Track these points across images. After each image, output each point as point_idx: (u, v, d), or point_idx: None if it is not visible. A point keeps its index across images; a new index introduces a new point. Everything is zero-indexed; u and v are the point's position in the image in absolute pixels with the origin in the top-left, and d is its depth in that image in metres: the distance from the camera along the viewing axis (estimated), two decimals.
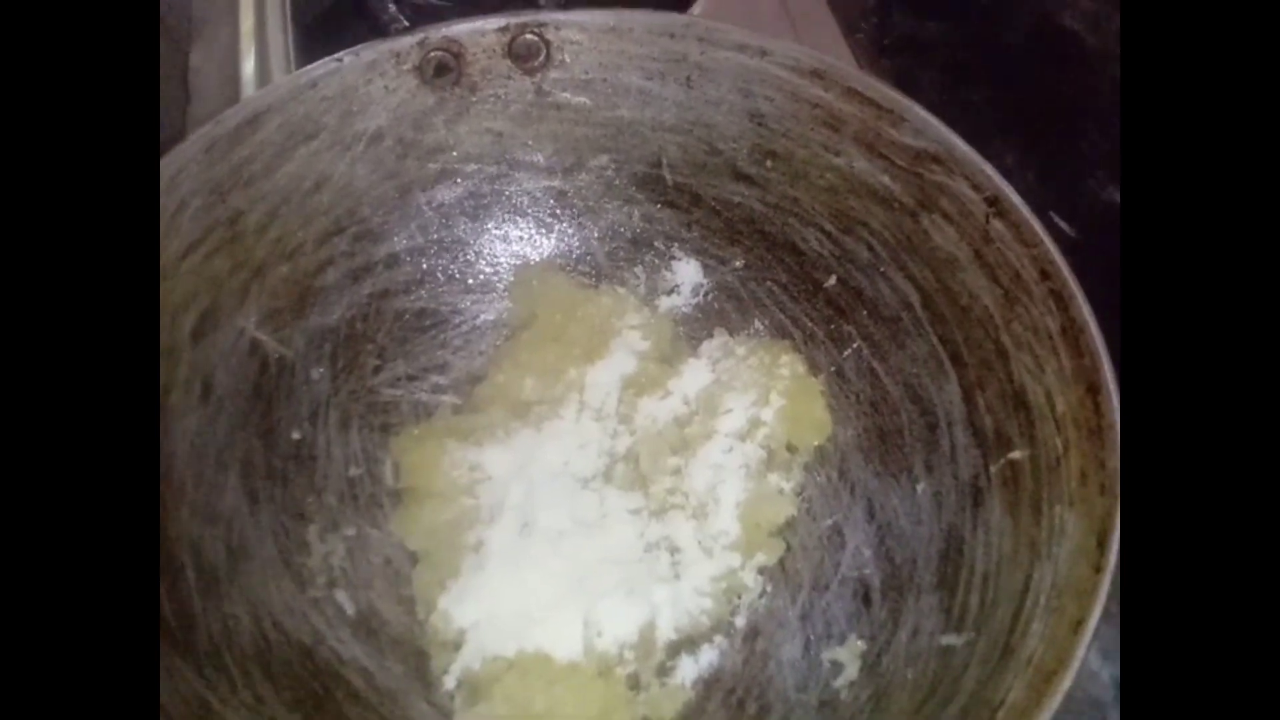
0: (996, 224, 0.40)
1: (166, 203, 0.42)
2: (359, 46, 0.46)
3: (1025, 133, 0.69)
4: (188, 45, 0.77)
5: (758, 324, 0.50)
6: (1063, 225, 0.64)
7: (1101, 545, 0.33)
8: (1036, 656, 0.32)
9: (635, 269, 0.52)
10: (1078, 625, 0.31)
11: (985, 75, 0.74)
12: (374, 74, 0.46)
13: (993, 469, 0.40)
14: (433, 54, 0.47)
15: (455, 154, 0.49)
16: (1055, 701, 0.30)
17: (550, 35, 0.47)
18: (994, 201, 0.40)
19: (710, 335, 0.50)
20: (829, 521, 0.45)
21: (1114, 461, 0.34)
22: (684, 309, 0.51)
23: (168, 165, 0.42)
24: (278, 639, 0.40)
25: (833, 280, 0.48)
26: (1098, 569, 0.32)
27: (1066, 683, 0.30)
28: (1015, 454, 0.39)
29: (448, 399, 0.50)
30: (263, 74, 0.68)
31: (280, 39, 0.70)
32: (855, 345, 0.47)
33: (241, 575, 0.41)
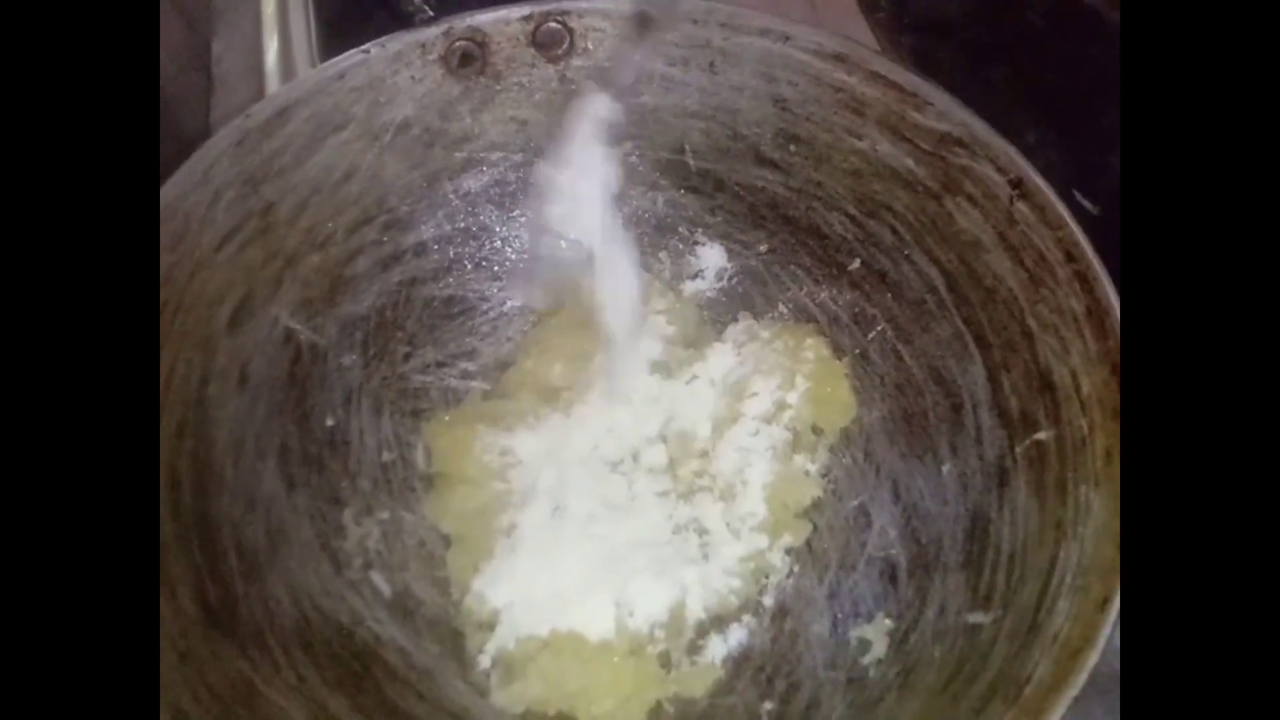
0: (1020, 206, 0.41)
1: (201, 195, 0.43)
2: (385, 38, 0.46)
3: (1047, 110, 0.69)
4: (210, 34, 0.77)
5: (782, 308, 0.50)
6: (1085, 203, 0.64)
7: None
8: (1063, 634, 0.33)
9: (660, 254, 0.52)
10: (1103, 603, 0.32)
11: (1006, 53, 0.74)
12: (400, 65, 0.47)
13: (1018, 450, 0.40)
14: (458, 44, 0.47)
15: (481, 142, 0.50)
16: (1081, 678, 0.30)
17: (574, 23, 0.48)
18: (1018, 184, 0.41)
19: (735, 319, 0.50)
20: (855, 502, 0.45)
21: None
22: (709, 293, 0.52)
23: (200, 159, 0.43)
24: (317, 620, 0.41)
25: (857, 263, 0.48)
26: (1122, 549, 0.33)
27: (1093, 659, 0.31)
28: (1040, 435, 0.39)
29: (477, 385, 0.51)
30: (286, 63, 0.69)
31: (303, 28, 0.71)
32: (880, 328, 0.47)
33: (281, 558, 0.42)
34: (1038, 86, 0.72)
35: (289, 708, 0.37)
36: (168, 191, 0.42)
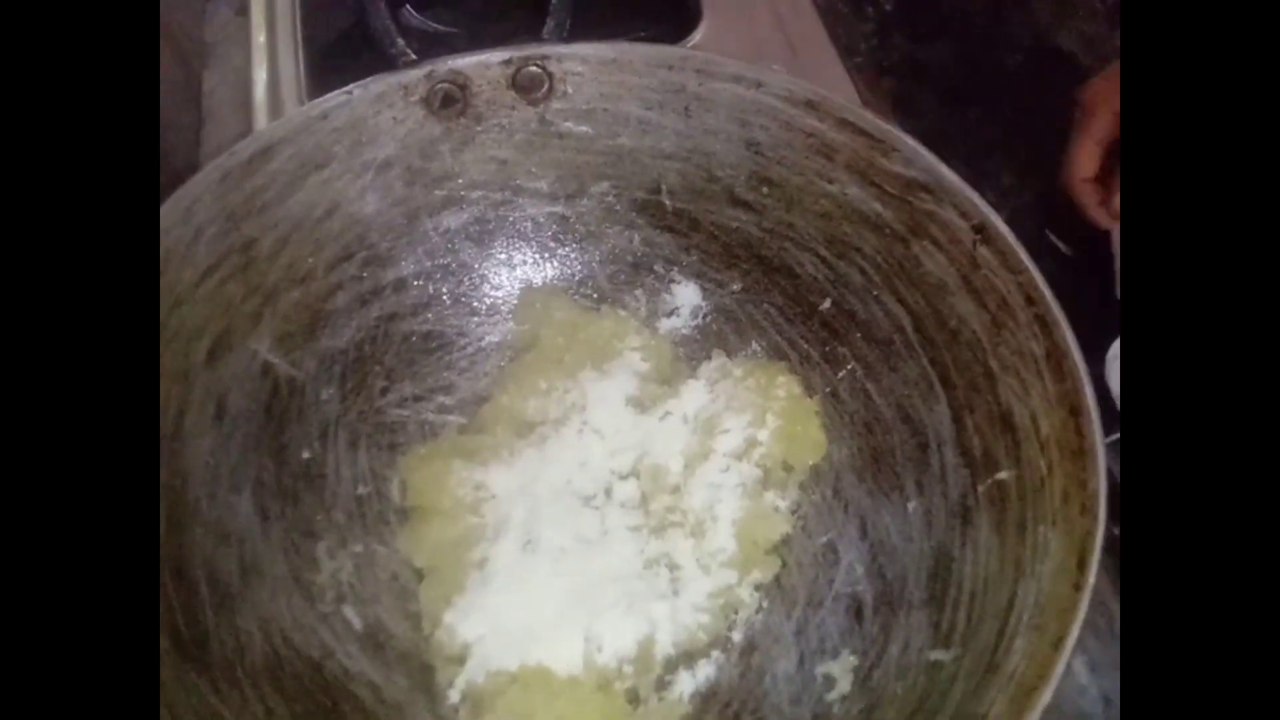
0: (983, 250, 0.42)
1: (182, 232, 0.44)
2: (368, 80, 0.47)
3: (1023, 152, 0.71)
4: (201, 67, 0.78)
5: (755, 346, 0.51)
6: (1059, 243, 0.65)
7: (1082, 565, 0.34)
8: (1019, 672, 0.33)
9: (636, 292, 0.53)
10: (1058, 642, 0.32)
11: (983, 95, 0.75)
12: (383, 105, 0.48)
13: (980, 488, 0.41)
14: (439, 85, 0.48)
15: (461, 181, 0.51)
16: (1035, 715, 0.31)
17: (553, 67, 0.49)
18: (980, 229, 0.42)
19: (709, 357, 0.51)
20: (824, 539, 0.46)
21: (1095, 483, 0.35)
22: (683, 331, 0.53)
23: (183, 196, 0.44)
24: (288, 654, 0.42)
25: (827, 303, 0.49)
26: (1078, 587, 0.34)
27: (1046, 697, 0.31)
28: (1002, 474, 0.40)
29: (453, 419, 0.51)
30: (274, 98, 0.70)
31: (291, 65, 0.72)
32: (849, 367, 0.48)
33: (253, 591, 0.42)
34: (1015, 129, 0.73)
35: None
36: None
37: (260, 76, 0.73)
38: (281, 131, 0.46)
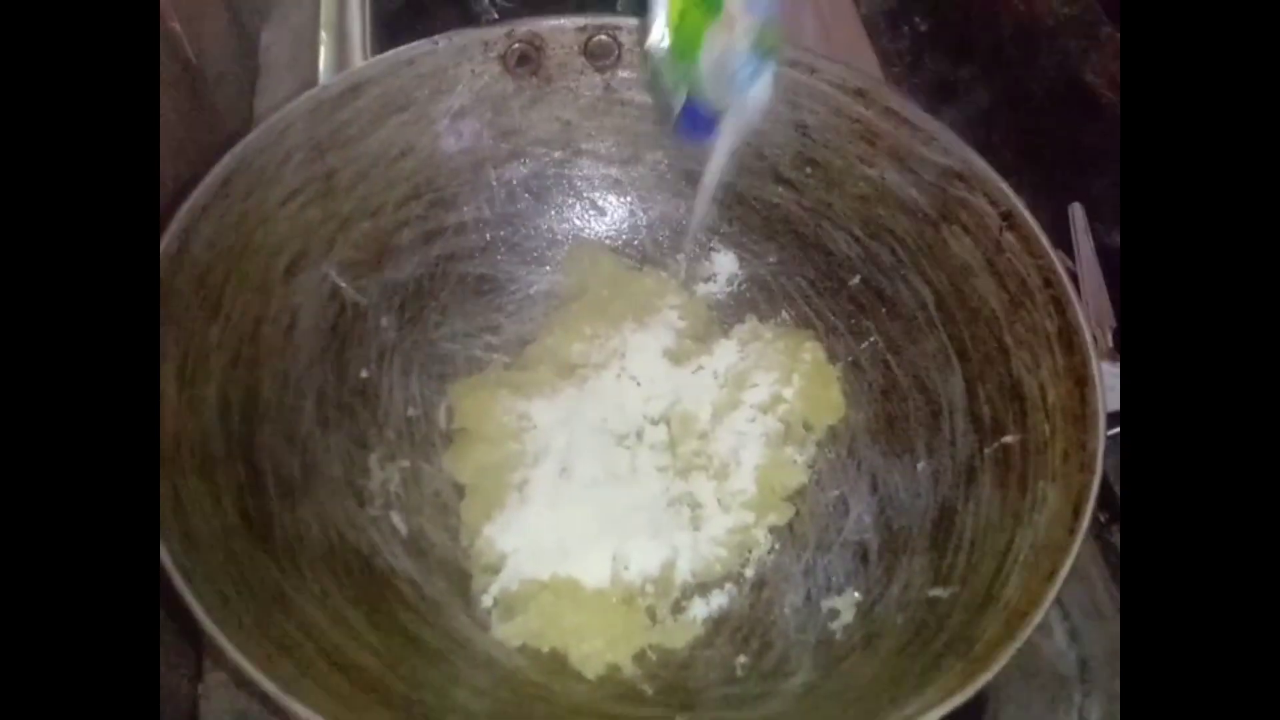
0: (1009, 236, 0.46)
1: (274, 154, 0.47)
2: (452, 32, 0.51)
3: (1041, 177, 0.74)
4: (258, 26, 0.82)
5: (785, 314, 0.55)
6: (1067, 262, 0.69)
7: (1077, 512, 0.38)
8: (1013, 601, 0.37)
9: (677, 256, 0.57)
10: (1051, 575, 0.36)
11: (1007, 121, 0.79)
12: (464, 58, 0.51)
13: (987, 451, 0.45)
14: (517, 45, 0.52)
15: (527, 137, 0.55)
16: (1026, 633, 0.35)
17: (623, 38, 0.53)
18: (1008, 216, 0.46)
19: (741, 320, 0.55)
20: (835, 492, 0.50)
21: (1094, 443, 0.39)
22: (719, 295, 0.56)
23: (278, 121, 0.47)
24: (341, 546, 0.45)
25: (856, 280, 0.53)
26: (1071, 531, 0.37)
27: (1037, 619, 0.35)
28: (1008, 438, 0.44)
29: (499, 357, 0.55)
30: (341, 56, 0.74)
31: (358, 23, 0.76)
32: (872, 339, 0.52)
33: (313, 488, 0.46)
34: (1034, 155, 0.77)
35: (314, 614, 0.40)
36: (248, 145, 0.46)
37: (325, 35, 0.77)
38: (371, 72, 0.50)
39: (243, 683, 0.44)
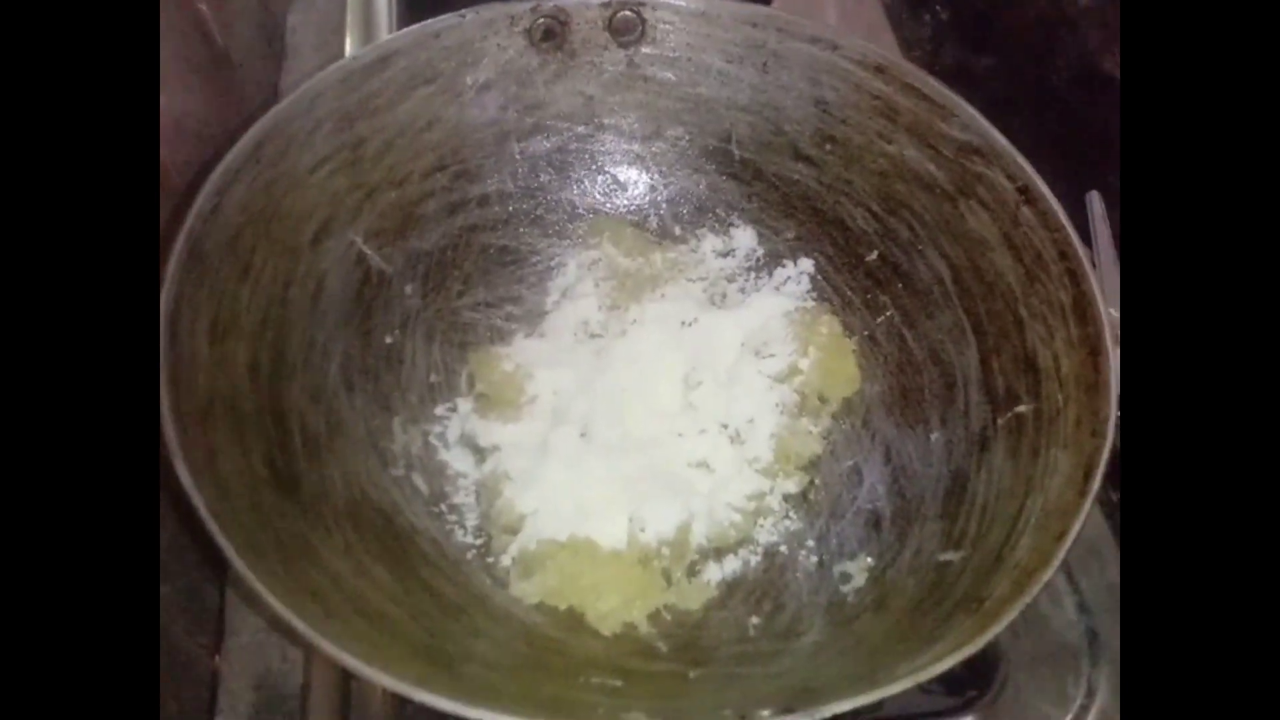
0: (1025, 210, 0.46)
1: (305, 122, 0.48)
2: (480, 5, 0.52)
3: (1059, 164, 0.75)
4: (283, 6, 0.83)
5: (802, 288, 0.56)
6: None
7: (1088, 475, 0.38)
8: (1023, 562, 0.38)
9: (697, 230, 0.58)
10: (1061, 535, 0.37)
11: (1025, 109, 0.79)
12: (490, 31, 0.52)
13: (1000, 421, 0.46)
14: (542, 19, 0.53)
15: (550, 111, 0.56)
16: (1035, 590, 0.35)
17: (647, 14, 0.53)
18: (1025, 190, 0.46)
19: (759, 293, 0.56)
20: (849, 462, 0.51)
21: (1106, 410, 0.40)
22: (737, 270, 0.57)
23: (309, 90, 0.48)
24: (365, 502, 0.46)
25: (874, 255, 0.54)
26: (1082, 494, 0.38)
27: (1046, 577, 0.36)
28: (1021, 408, 0.45)
29: (519, 327, 0.56)
30: (367, 33, 0.75)
31: (385, 10, 0.77)
32: (888, 314, 0.53)
33: (338, 446, 0.47)
34: (1052, 143, 0.77)
35: (339, 565, 0.42)
36: (279, 113, 0.47)
37: (352, 14, 0.79)
38: (398, 43, 0.51)
39: (276, 625, 0.46)
